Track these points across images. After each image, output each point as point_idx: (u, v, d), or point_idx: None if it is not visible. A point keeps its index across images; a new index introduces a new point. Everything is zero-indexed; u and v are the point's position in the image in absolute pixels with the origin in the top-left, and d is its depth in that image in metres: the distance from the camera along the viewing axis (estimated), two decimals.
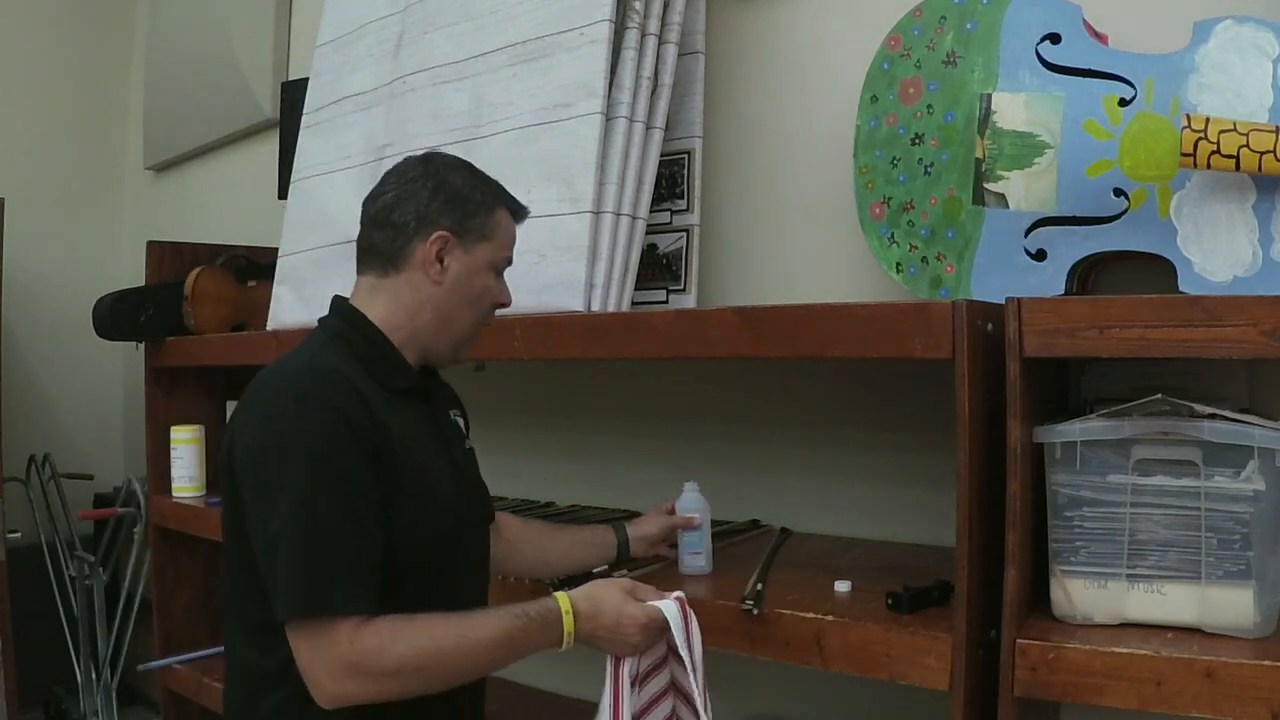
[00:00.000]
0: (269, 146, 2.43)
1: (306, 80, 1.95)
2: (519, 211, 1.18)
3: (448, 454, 1.14)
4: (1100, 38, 1.18)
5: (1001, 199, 1.19)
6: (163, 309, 2.07)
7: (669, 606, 1.06)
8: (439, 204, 1.11)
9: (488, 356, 1.37)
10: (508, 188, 1.48)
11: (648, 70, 1.41)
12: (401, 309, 1.10)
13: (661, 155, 1.44)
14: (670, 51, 1.44)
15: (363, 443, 1.00)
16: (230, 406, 2.19)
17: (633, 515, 1.67)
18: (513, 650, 1.00)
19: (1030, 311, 0.94)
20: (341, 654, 0.93)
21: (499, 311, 1.17)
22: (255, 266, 2.16)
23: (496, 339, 1.32)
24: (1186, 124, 1.03)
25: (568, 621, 1.02)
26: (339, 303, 1.14)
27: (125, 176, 3.26)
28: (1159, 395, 0.95)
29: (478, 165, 1.54)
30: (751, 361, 1.51)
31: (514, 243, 1.16)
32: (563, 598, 1.04)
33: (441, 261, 1.09)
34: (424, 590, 1.03)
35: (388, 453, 1.02)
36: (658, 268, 1.51)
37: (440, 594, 1.04)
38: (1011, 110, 1.18)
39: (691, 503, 1.27)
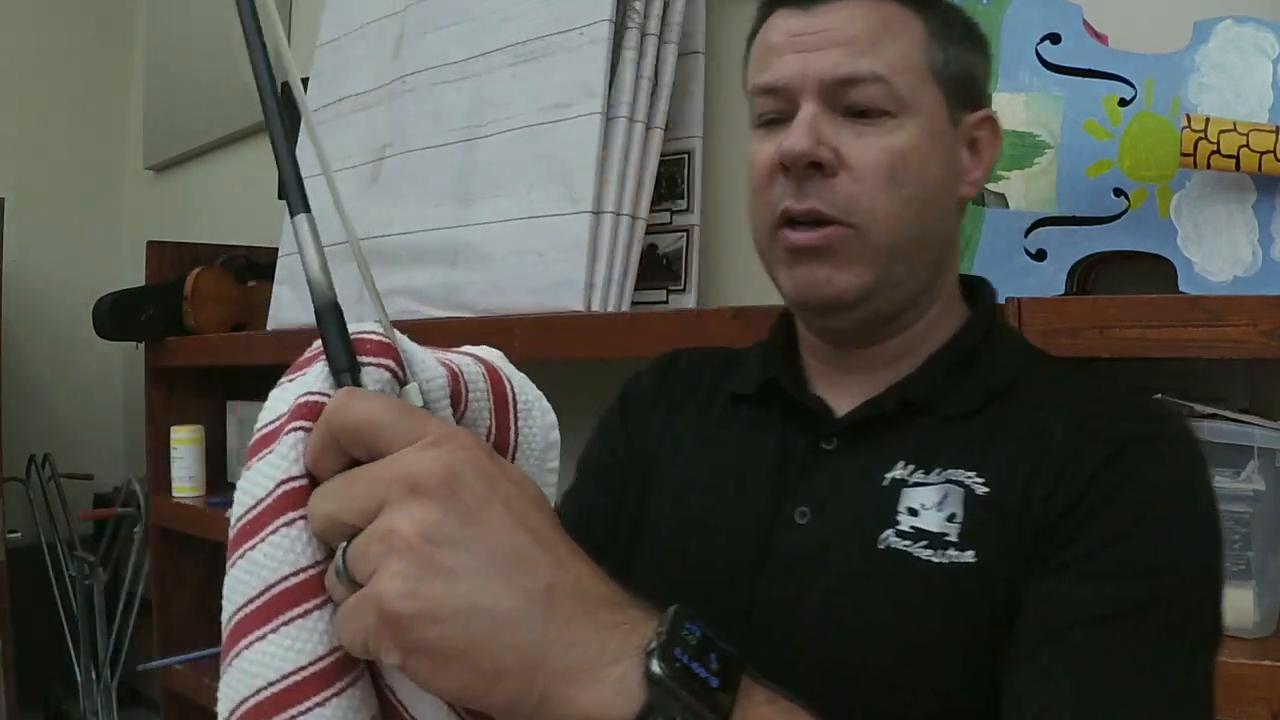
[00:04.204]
0: (269, 146, 2.42)
1: (306, 80, 1.95)
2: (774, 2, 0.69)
3: (769, 520, 0.67)
4: (1100, 38, 1.18)
5: (1001, 199, 1.19)
6: (163, 309, 2.07)
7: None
8: None
9: None
10: (507, 188, 1.48)
11: (648, 70, 1.41)
12: None
13: (661, 155, 1.44)
14: (670, 51, 1.44)
15: (603, 454, 0.79)
16: (230, 406, 2.19)
17: None
18: None
19: (1030, 311, 0.93)
20: None
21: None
22: (255, 266, 2.16)
23: (496, 339, 1.32)
24: (1186, 124, 1.03)
25: None
26: None
27: (125, 176, 3.26)
28: (1159, 395, 0.95)
29: (477, 165, 1.55)
30: None
31: (772, 49, 0.68)
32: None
33: None
34: None
35: (648, 480, 0.75)
36: (658, 268, 1.50)
37: None
38: (1011, 110, 1.18)
39: None
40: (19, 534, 2.49)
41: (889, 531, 0.63)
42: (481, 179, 1.51)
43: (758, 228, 0.69)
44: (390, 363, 0.43)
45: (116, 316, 2.04)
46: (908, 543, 0.62)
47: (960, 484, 0.62)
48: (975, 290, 0.74)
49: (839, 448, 0.67)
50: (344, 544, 0.39)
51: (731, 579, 0.66)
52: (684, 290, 1.48)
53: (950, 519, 0.61)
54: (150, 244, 2.20)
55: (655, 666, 0.38)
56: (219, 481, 2.14)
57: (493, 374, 0.51)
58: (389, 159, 1.68)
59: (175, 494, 2.06)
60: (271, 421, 0.43)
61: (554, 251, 1.39)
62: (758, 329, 1.08)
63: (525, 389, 0.52)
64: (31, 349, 2.93)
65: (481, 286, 1.47)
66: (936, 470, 0.63)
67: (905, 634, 0.60)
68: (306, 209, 0.43)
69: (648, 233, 1.44)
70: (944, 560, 0.60)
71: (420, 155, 1.63)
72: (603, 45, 1.38)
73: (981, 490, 0.62)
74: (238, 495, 0.42)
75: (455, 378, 0.47)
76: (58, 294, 2.96)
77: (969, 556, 0.60)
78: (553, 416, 0.53)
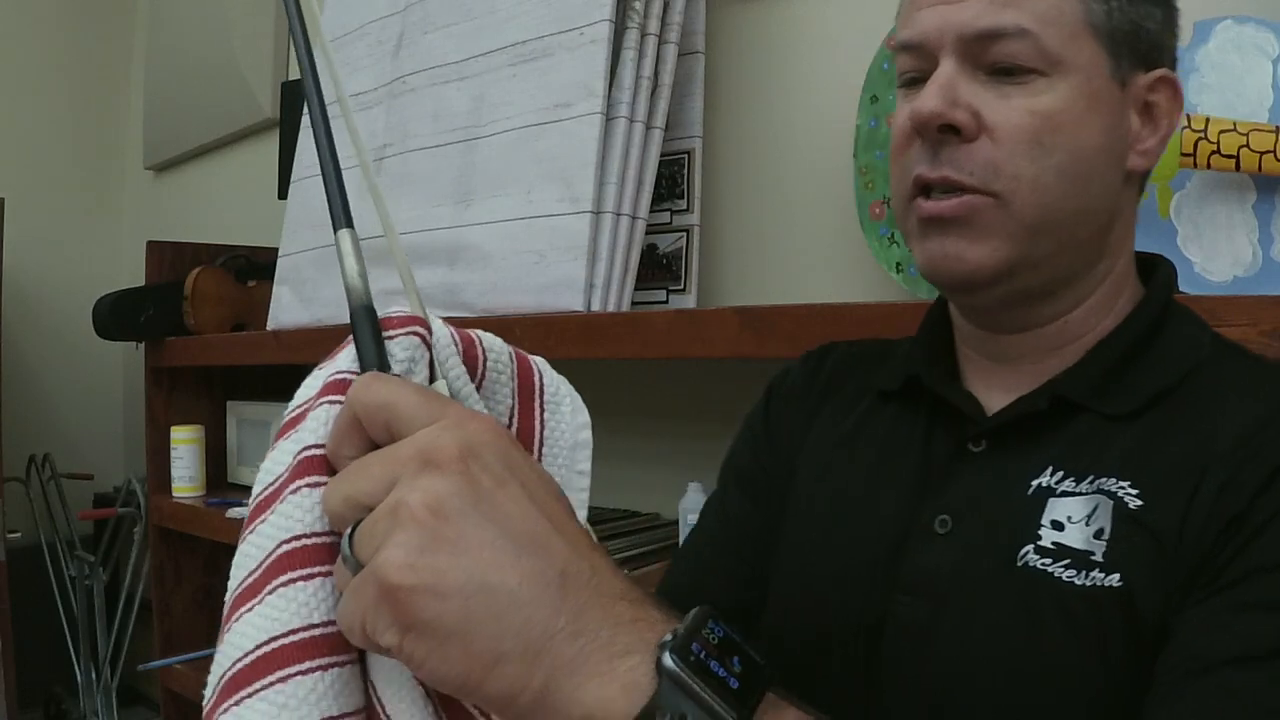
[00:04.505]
0: (269, 146, 2.43)
1: None
2: None
3: (907, 527, 0.61)
4: None
5: None
6: (163, 309, 2.07)
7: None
8: None
9: None
10: (508, 188, 1.49)
11: (648, 70, 1.41)
12: None
13: (661, 155, 1.44)
14: (670, 51, 1.44)
15: (744, 456, 0.77)
16: (230, 406, 2.19)
17: (632, 515, 1.67)
18: None
19: None
20: None
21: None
22: (255, 266, 2.16)
23: None
24: (1186, 124, 1.03)
25: None
26: None
27: (125, 176, 3.26)
28: None
29: (477, 165, 1.55)
30: (751, 361, 1.51)
31: (914, 1, 0.61)
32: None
33: None
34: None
35: (790, 483, 0.71)
36: (658, 268, 1.51)
37: None
38: None
39: (696, 503, 1.28)
40: (19, 534, 2.49)
41: (1028, 548, 0.56)
42: (481, 179, 1.52)
43: (894, 197, 0.63)
44: (418, 327, 0.42)
45: (116, 316, 2.04)
46: (1048, 561, 0.55)
47: (1111, 495, 0.55)
48: (1151, 270, 0.65)
49: (987, 450, 0.61)
50: (350, 527, 0.37)
51: (866, 590, 0.61)
52: (684, 290, 1.48)
53: (1098, 535, 0.54)
54: (150, 244, 2.20)
55: (668, 659, 0.36)
56: (219, 481, 2.15)
57: (521, 359, 0.49)
58: (389, 159, 1.68)
59: (175, 494, 2.06)
60: (301, 404, 0.43)
61: (554, 251, 1.39)
62: (758, 329, 1.08)
63: (557, 382, 0.50)
64: (31, 349, 2.93)
65: (481, 286, 1.47)
66: (1089, 478, 0.56)
67: (1038, 664, 0.54)
68: (349, 225, 0.45)
69: (648, 233, 1.44)
70: (1086, 583, 0.53)
71: (420, 155, 1.63)
72: (603, 45, 1.39)
73: (1134, 504, 0.54)
74: (260, 475, 0.42)
75: (471, 343, 0.46)
76: (58, 294, 2.96)
77: (1114, 580, 0.53)
78: (585, 416, 0.50)
